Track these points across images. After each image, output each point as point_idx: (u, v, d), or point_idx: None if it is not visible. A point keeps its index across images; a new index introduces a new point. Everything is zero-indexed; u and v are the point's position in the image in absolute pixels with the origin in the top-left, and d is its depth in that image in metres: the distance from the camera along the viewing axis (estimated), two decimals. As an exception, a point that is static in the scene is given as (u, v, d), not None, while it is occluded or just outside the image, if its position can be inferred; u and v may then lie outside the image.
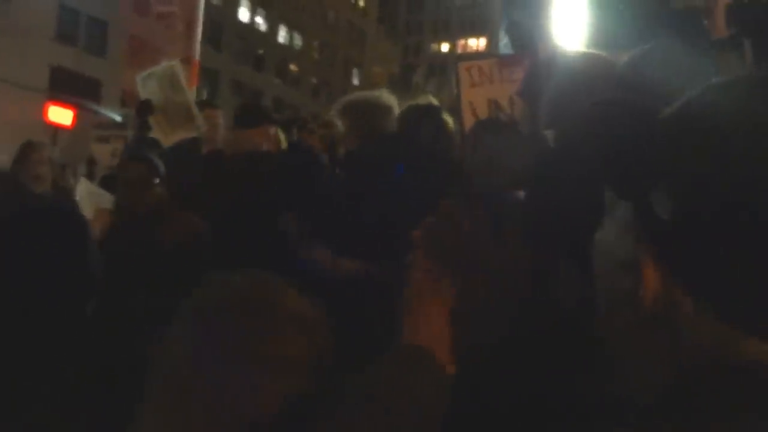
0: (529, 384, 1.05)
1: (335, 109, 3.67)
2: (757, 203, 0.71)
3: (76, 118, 17.79)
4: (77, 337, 1.75)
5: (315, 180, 3.21)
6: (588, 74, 2.19)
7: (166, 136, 4.91)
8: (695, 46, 1.91)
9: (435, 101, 3.46)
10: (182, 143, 4.79)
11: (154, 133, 4.85)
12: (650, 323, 0.78)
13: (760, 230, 0.71)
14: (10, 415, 1.66)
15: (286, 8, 55.59)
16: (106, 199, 5.04)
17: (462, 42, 79.27)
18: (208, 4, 8.85)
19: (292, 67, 58.39)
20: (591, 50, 2.41)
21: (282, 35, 57.48)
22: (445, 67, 74.72)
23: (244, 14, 52.45)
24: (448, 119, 3.24)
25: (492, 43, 73.45)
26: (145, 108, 4.76)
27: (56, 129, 18.53)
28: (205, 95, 35.10)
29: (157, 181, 3.43)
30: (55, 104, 21.13)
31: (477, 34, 77.41)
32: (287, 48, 57.98)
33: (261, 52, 54.05)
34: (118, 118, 12.36)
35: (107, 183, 5.61)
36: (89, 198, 4.94)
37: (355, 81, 63.59)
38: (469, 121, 3.59)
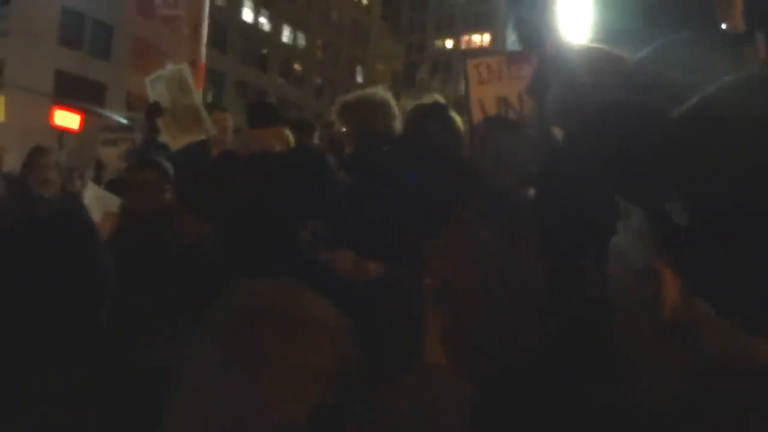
0: (548, 393, 1.04)
1: (334, 110, 3.69)
2: None
3: (84, 121, 17.83)
4: (86, 339, 1.76)
5: (322, 181, 3.21)
6: (597, 71, 2.17)
7: (175, 139, 4.93)
8: (707, 41, 1.89)
9: (441, 99, 3.46)
10: (191, 146, 4.80)
11: (163, 136, 4.86)
12: (669, 331, 0.77)
13: None
14: (19, 415, 1.67)
15: (290, 8, 55.57)
16: (114, 203, 5.05)
17: (466, 38, 79.08)
18: (211, 5, 8.83)
19: (296, 66, 58.38)
20: (599, 46, 2.40)
21: (286, 35, 57.47)
22: (449, 63, 74.59)
23: (247, 15, 52.47)
24: (456, 117, 3.24)
25: (496, 38, 73.24)
26: (153, 111, 4.77)
27: (62, 133, 18.58)
28: (210, 97, 35.08)
29: (167, 186, 3.43)
30: (60, 108, 21.18)
31: (481, 30, 77.20)
32: (291, 48, 57.97)
33: (265, 52, 54.06)
34: (124, 122, 12.37)
35: (114, 186, 5.63)
36: (97, 202, 4.96)
37: (359, 79, 63.50)
38: (477, 119, 3.59)
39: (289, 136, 4.46)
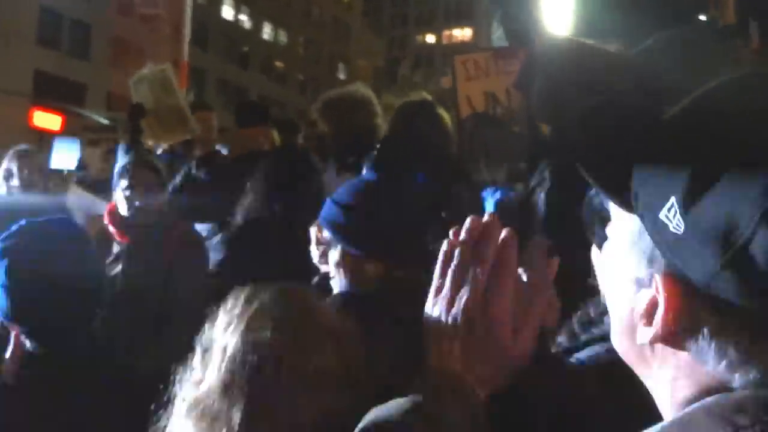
0: (555, 399, 1.03)
1: (315, 108, 3.68)
2: None
3: (65, 122, 17.73)
4: (80, 346, 1.75)
5: (308, 181, 3.19)
6: (585, 68, 2.17)
7: (158, 140, 4.90)
8: (701, 35, 1.90)
9: (428, 96, 3.45)
10: (175, 146, 4.77)
11: (146, 137, 4.82)
12: (670, 340, 0.76)
13: None
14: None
15: (270, 5, 55.37)
16: (99, 206, 5.01)
17: (447, 33, 79.19)
18: (191, 3, 8.73)
19: (278, 63, 58.22)
20: (587, 41, 2.39)
21: (267, 32, 57.29)
22: (431, 58, 74.64)
23: (227, 12, 52.24)
24: (444, 114, 3.24)
25: (477, 32, 73.40)
26: (136, 112, 4.73)
27: (42, 134, 18.42)
28: (191, 96, 34.88)
29: (163, 187, 3.38)
30: (39, 109, 21.00)
31: (462, 24, 77.33)
32: (272, 45, 57.79)
33: (246, 49, 53.86)
34: (105, 122, 12.27)
35: (99, 188, 5.57)
36: (81, 204, 4.92)
37: (342, 76, 63.41)
38: (466, 115, 3.60)
39: (275, 135, 4.45)
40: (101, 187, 5.82)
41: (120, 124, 8.65)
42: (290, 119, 6.56)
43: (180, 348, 1.20)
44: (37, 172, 5.05)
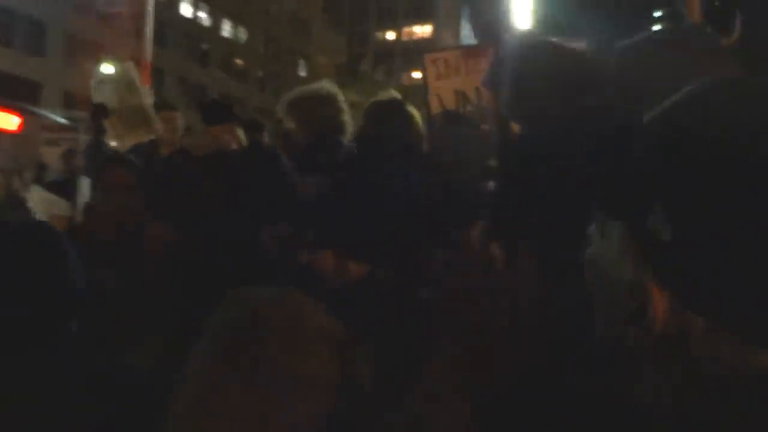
0: (549, 403, 1.03)
1: (280, 107, 3.66)
2: (760, 213, 0.68)
3: (24, 122, 17.30)
4: (58, 348, 1.72)
5: (278, 180, 3.17)
6: (557, 67, 2.19)
7: (122, 139, 4.83)
8: (682, 33, 1.93)
9: (397, 95, 3.46)
10: (140, 146, 4.70)
11: (109, 137, 4.76)
12: (662, 343, 0.77)
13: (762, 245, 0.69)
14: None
15: (229, 2, 54.82)
16: (61, 205, 4.91)
17: (407, 29, 79.20)
18: (153, 2, 8.58)
19: (238, 61, 57.71)
20: (555, 39, 2.42)
21: (226, 29, 56.76)
22: (391, 55, 74.63)
23: (186, 9, 51.60)
24: (415, 112, 3.25)
25: (437, 29, 73.60)
26: (99, 111, 4.67)
27: (-2, 134, 17.97)
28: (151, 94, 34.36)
29: (137, 185, 3.31)
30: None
31: (422, 21, 77.42)
32: (232, 42, 57.26)
33: (205, 47, 53.28)
34: (61, 120, 12.04)
35: (56, 188, 5.47)
36: (42, 204, 4.83)
37: (302, 73, 63.07)
38: (436, 113, 3.62)
39: (241, 134, 4.41)
40: (61, 187, 5.73)
41: (80, 124, 8.50)
42: (253, 118, 6.51)
43: (165, 349, 1.19)
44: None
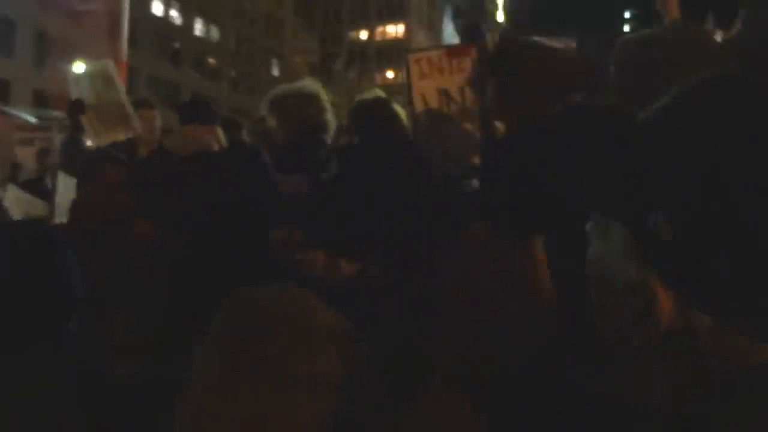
0: (554, 396, 1.04)
1: (263, 104, 3.65)
2: (757, 209, 0.69)
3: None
4: (56, 355, 1.70)
5: (262, 178, 3.15)
6: (542, 66, 2.21)
7: (99, 137, 4.76)
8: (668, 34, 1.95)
9: (382, 93, 3.47)
10: (117, 145, 4.64)
11: (87, 135, 4.69)
12: (668, 340, 0.78)
13: (763, 240, 0.70)
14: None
15: (201, 0, 54.39)
16: (37, 205, 4.85)
17: (380, 29, 79.16)
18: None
19: (210, 60, 57.28)
20: (540, 39, 2.44)
21: (198, 28, 56.30)
22: (364, 54, 74.55)
23: (157, 8, 51.08)
24: (400, 110, 3.25)
25: (410, 28, 73.64)
26: (76, 108, 4.59)
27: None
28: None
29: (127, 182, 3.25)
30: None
31: (395, 20, 77.43)
32: (204, 41, 56.81)
33: (177, 46, 52.80)
34: (32, 120, 11.86)
35: (30, 187, 5.39)
36: (18, 204, 4.76)
37: (275, 72, 62.78)
38: (420, 112, 3.63)
39: (220, 134, 4.38)
40: (35, 187, 5.65)
41: (53, 123, 8.37)
42: (230, 117, 6.46)
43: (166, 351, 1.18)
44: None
